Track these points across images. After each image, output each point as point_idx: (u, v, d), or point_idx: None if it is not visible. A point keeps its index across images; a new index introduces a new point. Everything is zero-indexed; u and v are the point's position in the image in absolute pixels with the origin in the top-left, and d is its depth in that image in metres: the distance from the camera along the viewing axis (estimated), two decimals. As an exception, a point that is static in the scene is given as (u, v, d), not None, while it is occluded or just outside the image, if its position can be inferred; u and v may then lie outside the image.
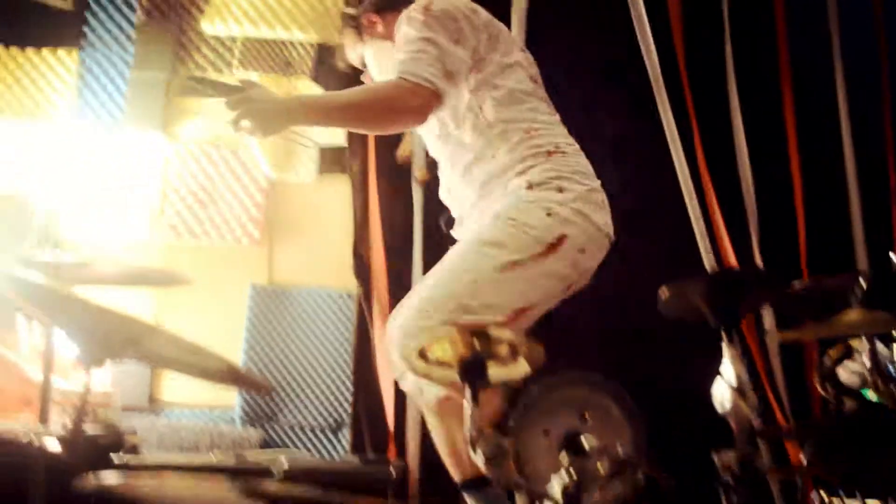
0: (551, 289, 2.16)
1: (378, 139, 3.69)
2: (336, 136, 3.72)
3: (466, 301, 2.05)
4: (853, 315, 2.04)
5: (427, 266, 3.42)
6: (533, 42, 3.61)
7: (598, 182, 2.25)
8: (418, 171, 3.55)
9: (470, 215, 2.30)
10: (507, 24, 3.58)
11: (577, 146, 2.30)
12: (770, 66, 3.78)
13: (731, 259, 3.53)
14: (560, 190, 2.15)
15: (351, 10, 2.57)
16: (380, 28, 2.41)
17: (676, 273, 2.01)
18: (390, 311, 3.30)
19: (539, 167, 2.18)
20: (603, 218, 2.21)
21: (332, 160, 3.77)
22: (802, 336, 2.63)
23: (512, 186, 2.18)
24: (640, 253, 3.47)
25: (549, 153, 2.21)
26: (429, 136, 2.40)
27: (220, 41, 3.79)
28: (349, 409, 3.63)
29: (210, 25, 3.70)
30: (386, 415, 3.48)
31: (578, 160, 2.26)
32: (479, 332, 1.55)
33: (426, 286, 2.18)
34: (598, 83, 3.78)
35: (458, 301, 2.06)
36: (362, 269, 3.67)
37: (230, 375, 1.76)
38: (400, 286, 3.54)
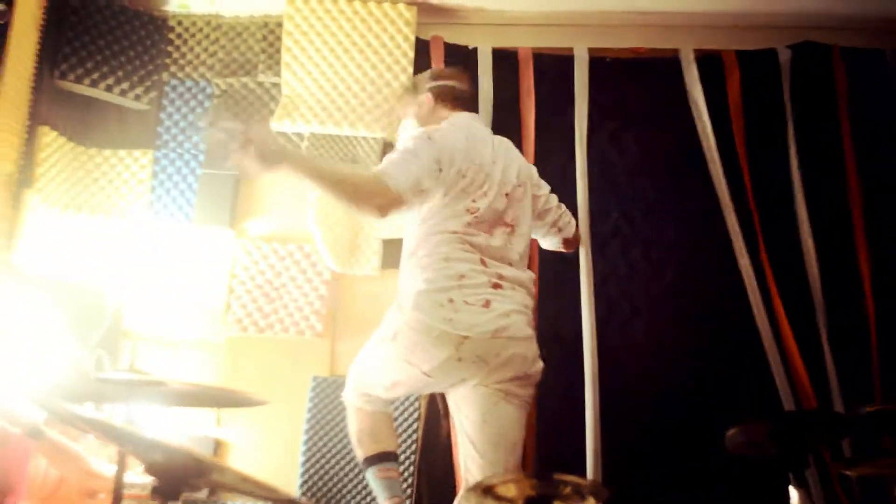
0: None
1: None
2: (400, 230, 3.85)
3: None
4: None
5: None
6: (595, 143, 3.79)
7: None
8: None
9: None
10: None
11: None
12: (837, 185, 3.78)
13: (800, 368, 3.52)
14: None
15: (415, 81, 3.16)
16: (426, 110, 2.97)
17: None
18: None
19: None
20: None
21: (395, 254, 3.88)
22: (881, 470, 2.60)
23: None
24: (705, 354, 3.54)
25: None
26: None
27: (288, 138, 3.99)
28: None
29: (279, 125, 3.90)
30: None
31: None
32: (541, 475, 1.67)
33: None
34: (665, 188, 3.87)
35: None
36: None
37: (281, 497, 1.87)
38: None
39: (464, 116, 2.91)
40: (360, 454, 2.94)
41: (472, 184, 2.69)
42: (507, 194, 2.77)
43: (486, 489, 1.72)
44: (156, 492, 1.60)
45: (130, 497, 2.95)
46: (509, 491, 1.70)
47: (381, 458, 2.91)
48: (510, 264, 2.73)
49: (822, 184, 3.79)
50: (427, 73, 3.10)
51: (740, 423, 2.05)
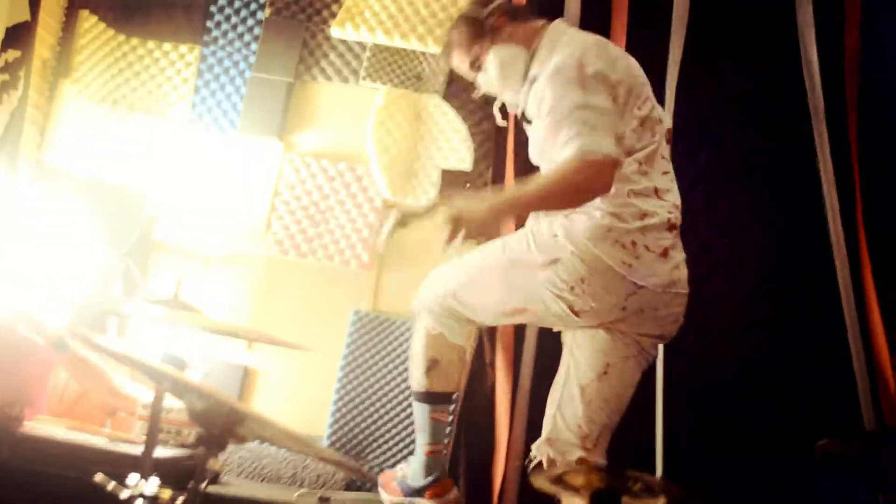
0: None
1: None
2: (462, 160, 3.60)
3: None
4: None
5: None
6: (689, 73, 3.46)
7: None
8: None
9: None
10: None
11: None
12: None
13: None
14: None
15: (473, 12, 2.64)
16: (509, 32, 2.55)
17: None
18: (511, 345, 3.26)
19: None
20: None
21: (452, 185, 3.64)
22: None
23: None
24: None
25: None
26: None
27: (349, 47, 3.71)
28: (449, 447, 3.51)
29: (340, 30, 3.61)
30: (491, 461, 3.37)
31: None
32: (616, 468, 1.65)
33: None
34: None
35: None
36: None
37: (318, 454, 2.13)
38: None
39: (562, 25, 2.58)
40: (418, 383, 2.77)
41: (639, 97, 2.42)
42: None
43: (556, 478, 1.71)
44: (201, 442, 1.64)
45: (167, 422, 2.82)
46: (577, 480, 1.67)
47: (442, 398, 2.79)
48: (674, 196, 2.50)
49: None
50: (467, 15, 2.67)
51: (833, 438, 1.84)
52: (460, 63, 2.65)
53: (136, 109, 3.68)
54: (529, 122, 2.52)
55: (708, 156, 3.48)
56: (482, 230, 2.34)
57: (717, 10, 3.55)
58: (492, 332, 3.44)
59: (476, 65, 2.60)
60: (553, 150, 2.27)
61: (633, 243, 2.34)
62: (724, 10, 3.56)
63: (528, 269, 2.43)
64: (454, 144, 3.61)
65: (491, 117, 3.32)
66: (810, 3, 3.50)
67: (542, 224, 2.44)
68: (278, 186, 3.66)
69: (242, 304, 3.61)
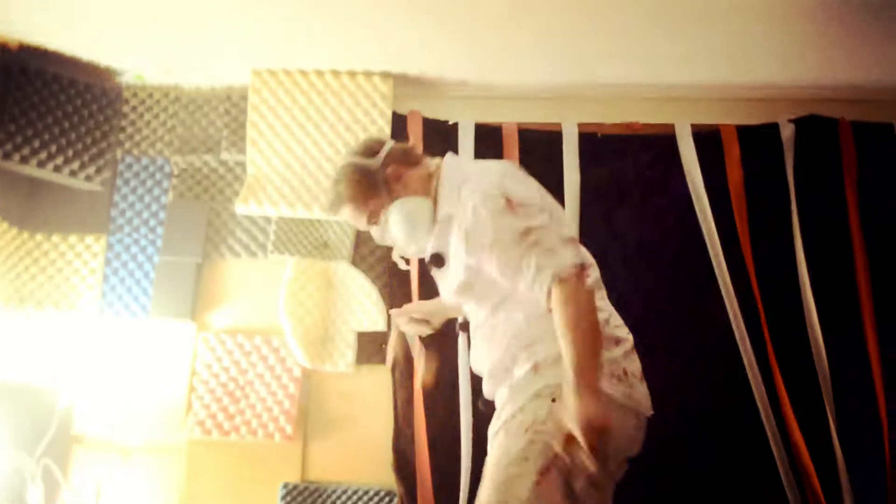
0: None
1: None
2: (375, 322, 3.70)
3: None
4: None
5: (473, 460, 3.38)
6: (587, 224, 3.65)
7: None
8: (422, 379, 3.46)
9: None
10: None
11: None
12: (844, 266, 3.68)
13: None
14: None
15: (364, 162, 2.44)
16: (405, 181, 2.42)
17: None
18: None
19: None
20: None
21: (370, 348, 3.72)
22: None
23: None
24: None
25: None
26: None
27: (255, 222, 3.83)
28: None
29: (244, 206, 3.72)
30: None
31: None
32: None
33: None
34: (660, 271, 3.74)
35: None
36: (404, 465, 3.59)
37: None
38: (444, 484, 3.49)
39: (455, 158, 2.52)
40: None
41: (561, 222, 2.35)
42: None
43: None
44: None
45: None
46: None
47: None
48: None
49: (828, 265, 3.68)
50: (357, 166, 2.46)
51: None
52: (354, 219, 2.49)
53: (44, 304, 3.69)
54: (441, 264, 2.41)
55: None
56: (596, 424, 2.08)
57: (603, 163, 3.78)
58: (413, 496, 3.51)
59: (373, 220, 2.46)
60: (517, 284, 2.21)
61: (625, 372, 2.26)
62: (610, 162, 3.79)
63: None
64: (366, 307, 3.71)
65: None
66: (691, 138, 3.75)
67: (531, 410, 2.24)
68: (195, 366, 3.69)
69: (169, 492, 3.58)
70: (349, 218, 2.50)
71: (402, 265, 2.75)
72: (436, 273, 2.49)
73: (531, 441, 2.17)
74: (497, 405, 2.38)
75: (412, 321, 2.70)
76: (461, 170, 2.43)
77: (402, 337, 2.82)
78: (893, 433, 3.50)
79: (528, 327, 2.29)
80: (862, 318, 3.61)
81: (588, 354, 2.11)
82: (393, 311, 2.74)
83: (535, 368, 2.26)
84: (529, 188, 2.34)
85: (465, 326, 2.52)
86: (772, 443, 3.51)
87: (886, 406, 3.53)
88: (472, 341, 2.48)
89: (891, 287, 3.66)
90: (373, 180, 2.42)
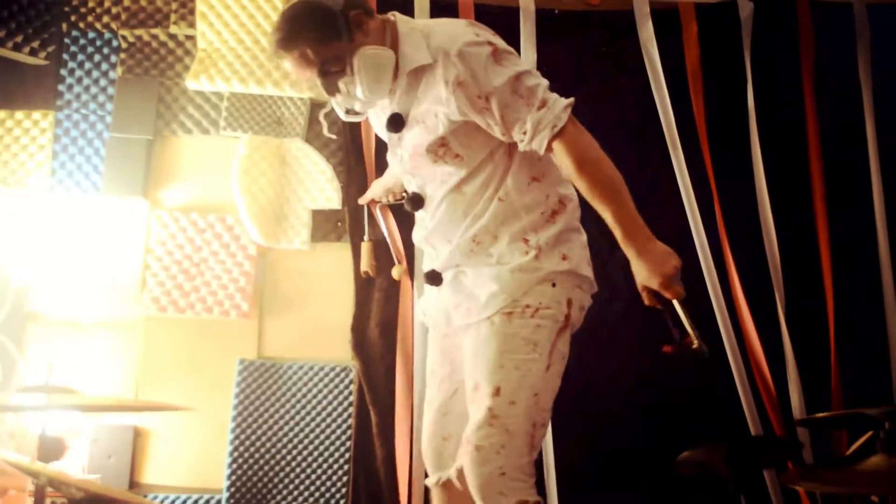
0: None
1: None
2: (329, 201, 3.74)
3: (536, 417, 2.21)
4: (875, 463, 2.04)
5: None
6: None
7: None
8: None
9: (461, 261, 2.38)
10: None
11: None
12: (799, 146, 3.76)
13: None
14: (564, 258, 2.29)
15: (326, 2, 2.25)
16: (366, 29, 2.27)
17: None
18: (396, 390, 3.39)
19: (546, 229, 2.30)
20: (590, 270, 2.39)
21: (326, 226, 3.77)
22: (815, 488, 2.62)
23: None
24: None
25: (554, 212, 2.33)
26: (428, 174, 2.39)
27: (206, 98, 3.81)
28: (347, 493, 3.65)
29: (195, 82, 3.71)
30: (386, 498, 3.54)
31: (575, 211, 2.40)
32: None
33: (500, 403, 2.20)
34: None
35: (533, 420, 2.20)
36: (362, 342, 3.69)
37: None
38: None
39: (406, 17, 2.40)
40: None
41: None
42: None
43: None
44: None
45: (55, 495, 2.88)
46: None
47: None
48: None
49: (782, 144, 3.76)
50: (318, 5, 2.26)
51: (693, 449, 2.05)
52: (298, 67, 2.28)
53: (-8, 182, 3.70)
54: (400, 127, 2.35)
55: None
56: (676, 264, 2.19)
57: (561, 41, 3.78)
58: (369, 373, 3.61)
59: (328, 68, 2.26)
60: (513, 134, 2.21)
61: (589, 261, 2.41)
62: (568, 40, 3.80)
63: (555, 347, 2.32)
64: (321, 185, 3.75)
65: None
66: (649, 17, 3.76)
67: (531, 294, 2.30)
68: (149, 244, 3.72)
69: (125, 368, 3.66)
70: (293, 65, 2.28)
71: (344, 117, 2.46)
72: (391, 139, 2.43)
73: (538, 326, 2.23)
74: (448, 278, 2.42)
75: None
76: (418, 24, 2.33)
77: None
78: (839, 316, 3.64)
79: (508, 203, 2.31)
80: (813, 200, 3.72)
81: (622, 204, 2.16)
82: (362, 199, 2.79)
83: (537, 256, 2.28)
84: (497, 37, 2.30)
85: (435, 278, 2.46)
86: (722, 330, 3.61)
87: (833, 288, 3.66)
88: (423, 214, 2.46)
89: (843, 168, 3.76)
90: (334, 23, 2.22)
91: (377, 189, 3.13)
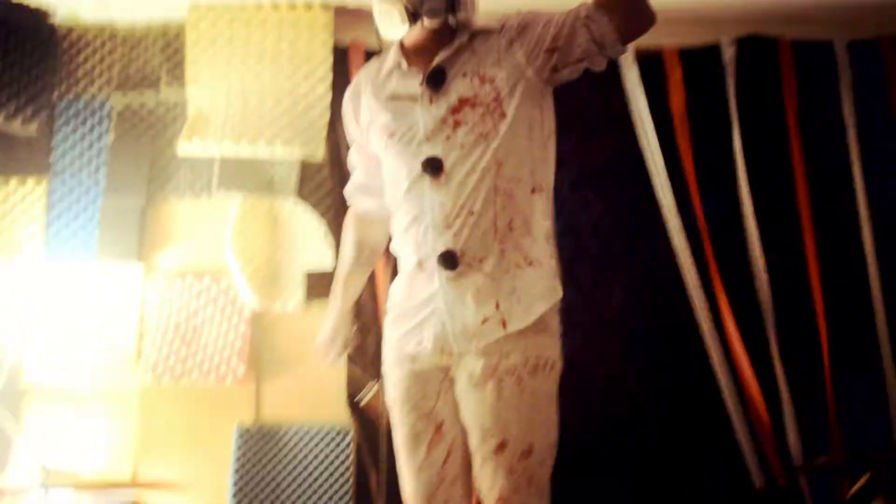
0: None
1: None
2: (323, 261, 3.74)
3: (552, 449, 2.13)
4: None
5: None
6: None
7: None
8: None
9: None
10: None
11: None
12: (785, 186, 3.80)
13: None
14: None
15: None
16: None
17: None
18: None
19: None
20: None
21: (319, 286, 3.77)
22: None
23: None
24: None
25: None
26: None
27: (198, 161, 3.82)
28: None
29: (187, 145, 3.74)
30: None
31: None
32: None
33: (533, 464, 2.10)
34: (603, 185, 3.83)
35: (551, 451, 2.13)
36: (358, 404, 3.67)
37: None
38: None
39: None
40: None
41: None
42: None
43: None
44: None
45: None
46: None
47: None
48: None
49: (769, 185, 3.80)
50: None
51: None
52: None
53: (-15, 252, 3.70)
54: (441, 82, 2.12)
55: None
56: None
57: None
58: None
59: None
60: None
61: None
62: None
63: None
64: (314, 244, 3.76)
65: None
66: (635, 63, 3.82)
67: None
68: (144, 310, 3.72)
69: (122, 438, 3.64)
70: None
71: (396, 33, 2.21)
72: (427, 97, 2.14)
73: (554, 380, 2.15)
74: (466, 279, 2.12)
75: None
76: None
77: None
78: (833, 356, 3.65)
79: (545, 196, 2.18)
80: (803, 240, 3.75)
81: None
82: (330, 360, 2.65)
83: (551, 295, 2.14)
84: None
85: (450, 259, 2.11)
86: (716, 366, 3.65)
87: (827, 329, 3.68)
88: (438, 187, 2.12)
89: (831, 208, 3.79)
90: None
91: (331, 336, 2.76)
